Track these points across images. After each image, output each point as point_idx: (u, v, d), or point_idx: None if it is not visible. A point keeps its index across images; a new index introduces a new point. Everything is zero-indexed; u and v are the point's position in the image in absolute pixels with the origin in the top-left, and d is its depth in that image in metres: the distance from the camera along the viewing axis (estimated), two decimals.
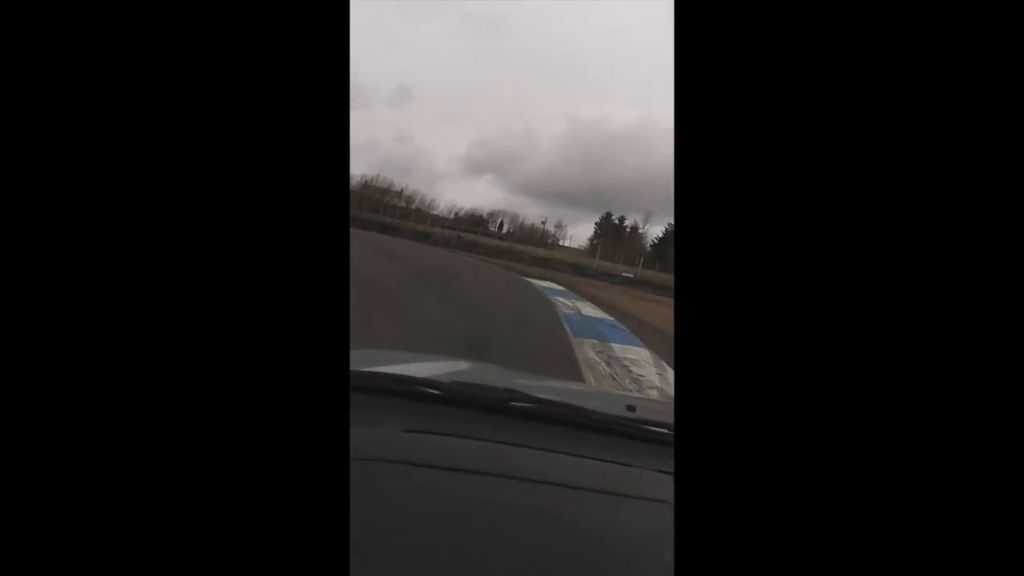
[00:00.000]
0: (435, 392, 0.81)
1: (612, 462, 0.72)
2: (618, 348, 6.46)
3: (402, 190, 51.34)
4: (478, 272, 16.56)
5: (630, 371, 5.22)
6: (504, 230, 52.12)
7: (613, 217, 52.39)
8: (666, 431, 0.81)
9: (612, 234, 51.16)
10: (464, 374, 1.06)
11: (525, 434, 0.75)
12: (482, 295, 9.52)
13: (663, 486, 0.66)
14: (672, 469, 0.64)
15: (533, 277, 18.69)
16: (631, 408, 0.89)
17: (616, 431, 0.81)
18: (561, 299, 11.94)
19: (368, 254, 11.94)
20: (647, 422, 0.83)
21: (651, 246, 48.92)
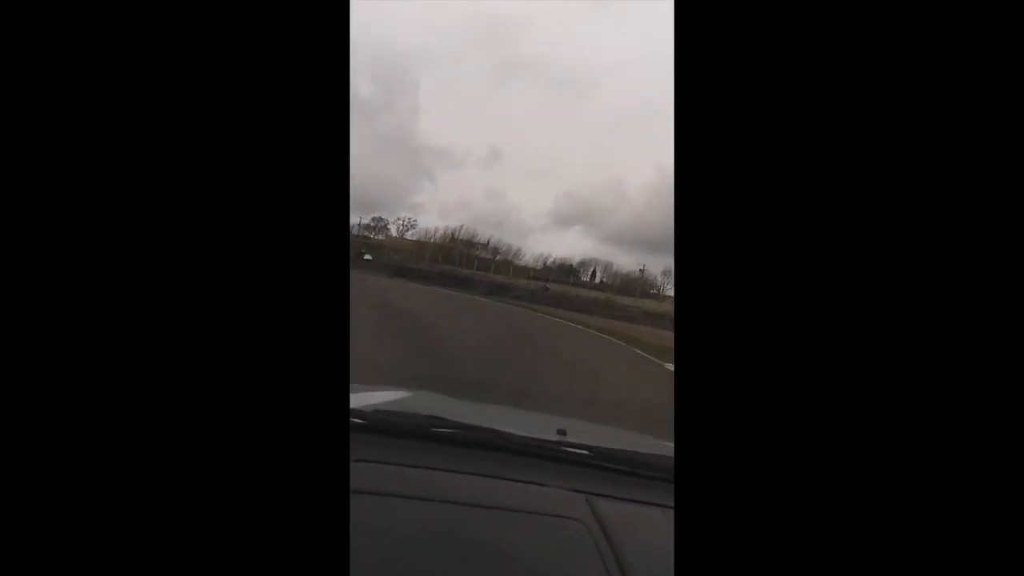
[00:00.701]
0: (359, 422, 0.84)
1: (527, 482, 0.76)
2: None
3: (488, 241, 46.81)
4: (566, 343, 9.54)
5: None
6: (598, 279, 44.79)
7: None
8: (587, 452, 0.86)
9: None
10: (403, 403, 1.09)
11: (445, 459, 0.78)
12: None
13: (576, 504, 0.71)
14: (586, 489, 0.75)
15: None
16: (561, 432, 0.94)
17: (532, 453, 0.85)
18: None
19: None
20: (568, 444, 0.88)
21: None
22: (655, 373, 7.41)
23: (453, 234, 45.26)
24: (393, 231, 45.02)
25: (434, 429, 0.85)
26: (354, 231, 40.23)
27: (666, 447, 0.97)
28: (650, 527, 0.69)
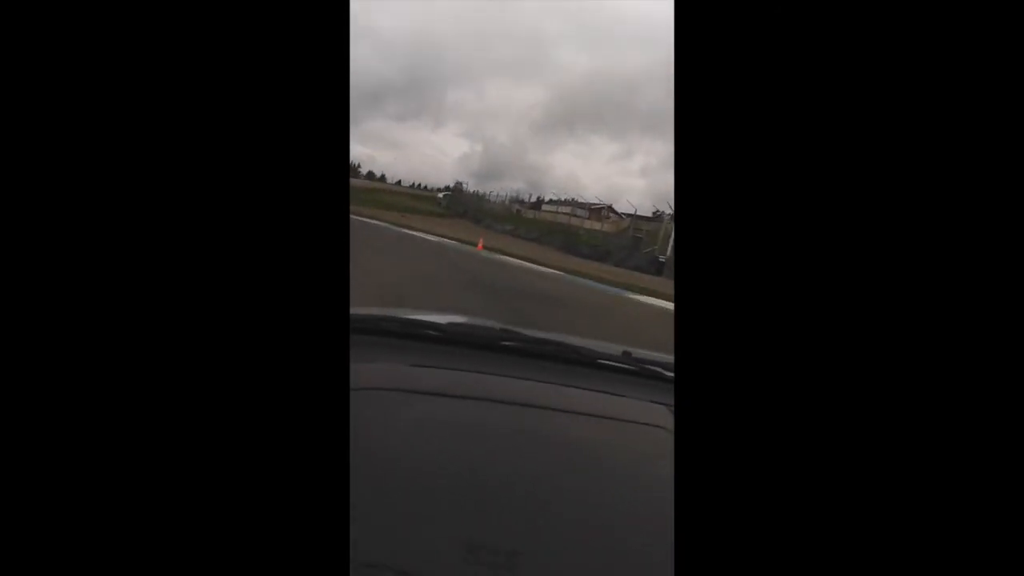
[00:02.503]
0: (434, 333, 0.88)
1: (603, 392, 0.76)
2: None
3: None
4: None
5: None
6: None
7: None
8: (659, 368, 0.86)
9: None
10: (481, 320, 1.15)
11: (519, 369, 0.80)
12: None
13: (658, 413, 0.71)
14: (663, 400, 0.74)
15: None
16: (627, 353, 0.92)
17: (606, 367, 0.86)
18: None
19: None
20: (641, 360, 0.88)
21: None
22: None
23: None
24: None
25: (506, 343, 0.87)
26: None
27: None
28: None
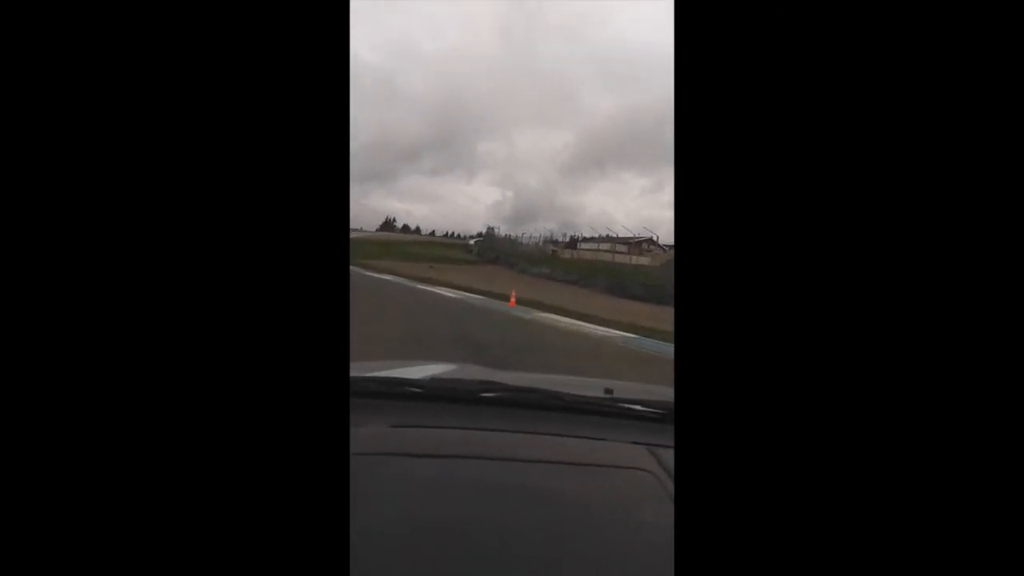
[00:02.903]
0: (416, 391, 0.88)
1: (585, 437, 0.78)
2: None
3: None
4: None
5: None
6: None
7: None
8: (639, 407, 0.88)
9: None
10: (448, 374, 1.14)
11: (501, 420, 0.81)
12: None
13: (640, 455, 0.72)
14: (646, 440, 0.76)
15: None
16: (608, 391, 0.94)
17: (588, 410, 0.86)
18: None
19: None
20: (621, 400, 0.90)
21: None
22: None
23: None
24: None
25: (486, 394, 0.87)
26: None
27: None
28: None
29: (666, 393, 0.99)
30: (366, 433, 0.70)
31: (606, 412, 0.87)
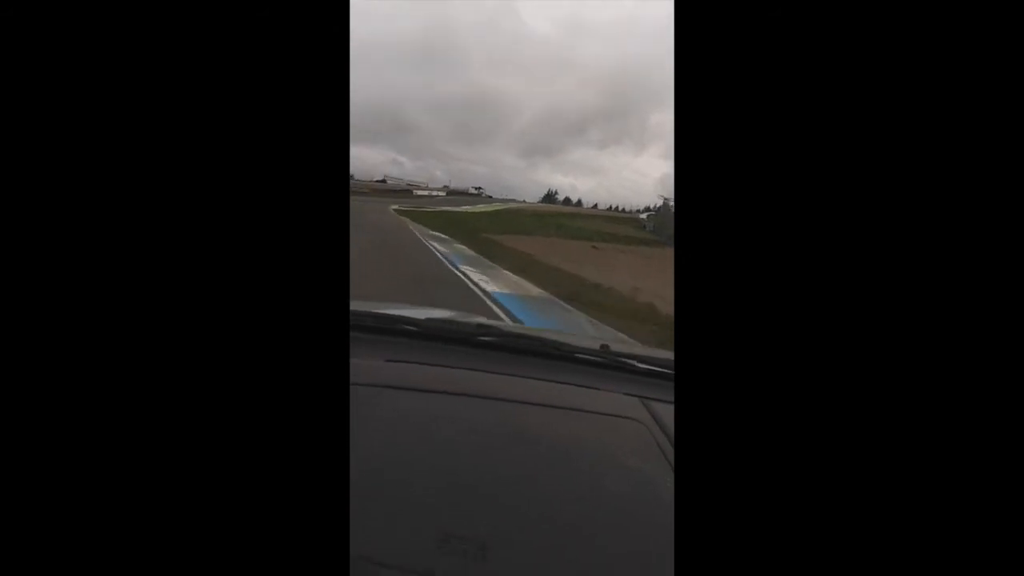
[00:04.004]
0: (412, 328, 0.88)
1: (579, 385, 0.78)
2: None
3: None
4: None
5: None
6: None
7: None
8: (635, 362, 0.88)
9: None
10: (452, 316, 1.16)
11: (495, 363, 0.81)
12: None
13: (632, 406, 0.72)
14: (639, 393, 0.76)
15: None
16: (604, 346, 0.93)
17: (584, 361, 0.87)
18: None
19: None
20: (616, 354, 0.90)
21: None
22: None
23: None
24: None
25: (483, 337, 0.87)
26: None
27: None
28: None
29: (664, 352, 0.99)
30: (360, 366, 0.69)
31: (602, 364, 0.87)
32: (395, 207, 32.78)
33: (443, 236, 16.34)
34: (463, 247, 13.47)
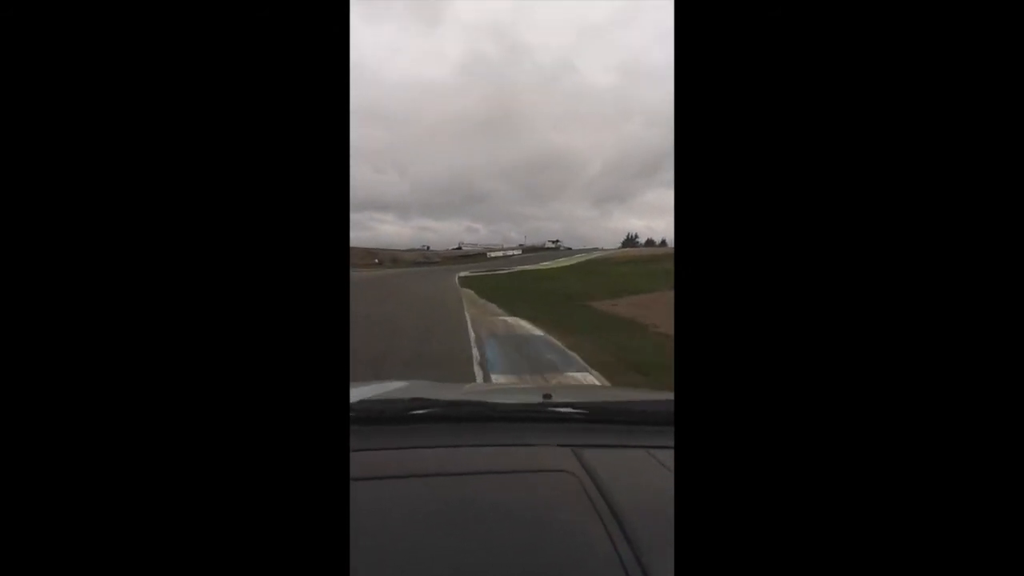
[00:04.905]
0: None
1: (513, 445, 0.79)
2: None
3: None
4: None
5: None
6: None
7: None
8: (570, 409, 0.90)
9: None
10: (391, 393, 1.13)
11: (433, 437, 0.81)
12: None
13: (563, 457, 0.73)
14: (572, 442, 0.78)
15: None
16: (547, 396, 0.96)
17: (517, 418, 0.89)
18: None
19: None
20: (555, 404, 0.92)
21: None
22: None
23: None
24: None
25: (416, 412, 0.87)
26: None
27: (642, 392, 1.15)
28: (636, 468, 0.71)
29: (604, 394, 1.18)
30: None
31: (536, 418, 0.89)
32: (463, 274, 27.68)
33: (516, 312, 10.47)
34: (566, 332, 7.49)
